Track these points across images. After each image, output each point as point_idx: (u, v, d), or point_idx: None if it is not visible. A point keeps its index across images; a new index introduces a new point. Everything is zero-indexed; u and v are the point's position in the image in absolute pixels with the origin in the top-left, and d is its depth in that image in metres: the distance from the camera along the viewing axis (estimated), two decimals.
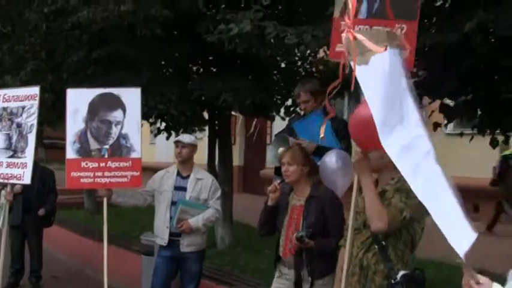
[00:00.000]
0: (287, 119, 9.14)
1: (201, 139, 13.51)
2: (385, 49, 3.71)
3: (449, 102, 7.62)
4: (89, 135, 6.92)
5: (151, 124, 11.71)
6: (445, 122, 8.05)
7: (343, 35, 3.65)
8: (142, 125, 8.68)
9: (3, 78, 12.61)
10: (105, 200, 6.90)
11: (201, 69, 11.01)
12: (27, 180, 7.30)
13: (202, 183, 7.25)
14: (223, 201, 8.22)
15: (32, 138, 7.31)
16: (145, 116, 9.73)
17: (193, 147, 7.31)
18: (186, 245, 7.17)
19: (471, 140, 8.45)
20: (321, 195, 5.47)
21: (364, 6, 4.85)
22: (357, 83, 3.73)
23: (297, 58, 10.34)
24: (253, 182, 20.80)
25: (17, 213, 9.74)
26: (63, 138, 7.05)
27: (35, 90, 7.44)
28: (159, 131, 11.75)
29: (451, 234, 2.83)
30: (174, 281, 7.52)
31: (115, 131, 6.94)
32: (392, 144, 3.42)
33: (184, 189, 7.22)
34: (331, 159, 5.86)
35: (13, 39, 10.67)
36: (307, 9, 9.47)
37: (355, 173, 4.49)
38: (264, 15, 7.73)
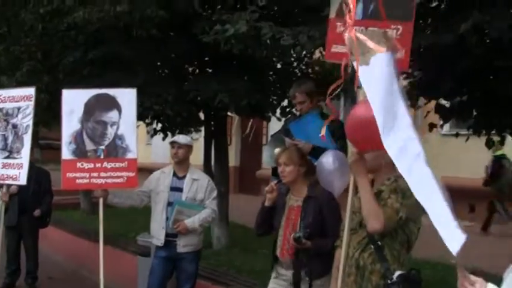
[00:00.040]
0: (283, 119, 9.15)
1: (197, 140, 13.50)
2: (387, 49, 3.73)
3: (444, 102, 7.63)
4: (85, 136, 6.91)
5: (147, 125, 11.70)
6: (441, 122, 8.07)
7: (346, 35, 3.65)
8: (138, 126, 8.69)
9: None
10: (101, 201, 6.89)
11: (197, 70, 11.00)
12: (23, 181, 7.30)
13: (198, 183, 7.26)
14: (219, 202, 8.22)
15: (27, 139, 7.32)
16: (141, 116, 9.74)
17: (189, 147, 7.31)
18: (183, 246, 7.17)
19: (467, 140, 8.47)
20: (319, 195, 5.47)
21: (359, 7, 4.86)
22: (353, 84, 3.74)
23: (292, 59, 10.35)
24: (249, 182, 20.82)
25: (13, 214, 9.73)
26: (59, 139, 7.04)
27: (31, 91, 7.44)
28: (155, 132, 11.75)
29: (444, 234, 2.84)
30: (170, 281, 7.53)
31: (111, 131, 6.93)
32: (391, 145, 3.44)
33: (180, 189, 7.22)
34: (327, 159, 5.86)
35: (9, 39, 10.67)
36: (303, 10, 9.48)
37: (351, 174, 4.50)
38: (259, 16, 7.73)
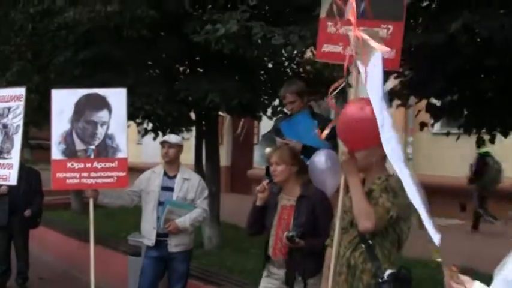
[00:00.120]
0: (274, 119, 9.15)
1: (188, 139, 13.49)
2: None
3: (435, 102, 7.65)
4: (75, 136, 6.88)
5: (138, 124, 11.68)
6: (432, 121, 8.09)
7: (350, 33, 3.65)
8: (129, 126, 8.67)
9: None
10: (91, 201, 6.87)
11: (188, 70, 10.99)
12: (13, 181, 7.27)
13: (189, 183, 7.25)
14: (210, 202, 8.21)
15: (18, 139, 7.28)
16: (132, 116, 9.72)
17: (179, 147, 7.31)
18: (174, 245, 7.17)
19: (457, 139, 8.49)
20: (312, 195, 5.48)
21: (350, 8, 4.86)
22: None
23: (283, 58, 10.35)
24: (240, 182, 20.82)
25: (3, 214, 9.71)
26: (49, 139, 7.01)
27: (21, 90, 7.41)
28: (146, 132, 11.73)
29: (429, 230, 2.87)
30: (161, 281, 7.52)
31: (101, 131, 6.90)
32: (387, 144, 3.46)
33: (171, 189, 7.22)
34: (320, 159, 5.87)
35: None
36: (294, 10, 9.48)
37: (342, 173, 4.51)
38: (250, 16, 7.74)
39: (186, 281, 7.45)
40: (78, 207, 16.34)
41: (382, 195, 4.25)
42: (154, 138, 11.22)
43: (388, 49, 3.72)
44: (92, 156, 6.86)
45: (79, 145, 6.87)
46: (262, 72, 10.87)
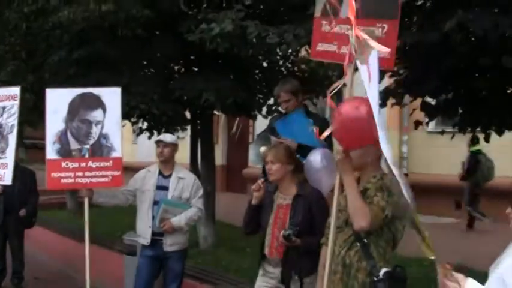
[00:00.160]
0: (269, 118, 9.15)
1: (184, 138, 13.49)
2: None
3: (430, 100, 7.65)
4: (69, 135, 6.86)
5: (133, 124, 11.67)
6: (427, 120, 8.09)
7: (350, 32, 3.65)
8: (124, 125, 8.66)
9: None
10: (86, 201, 6.86)
11: (183, 69, 10.99)
12: (8, 181, 7.26)
13: (184, 182, 7.25)
14: (205, 201, 8.21)
15: (12, 138, 7.26)
16: (127, 115, 9.71)
17: (174, 146, 7.30)
18: (169, 245, 7.16)
19: (452, 138, 8.50)
20: (308, 194, 5.47)
21: (344, 7, 4.87)
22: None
23: (278, 57, 10.36)
24: (236, 181, 20.83)
25: None
26: (44, 139, 7.00)
27: (16, 90, 7.39)
28: (141, 131, 11.72)
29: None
30: (156, 280, 7.51)
31: (95, 130, 6.89)
32: (383, 142, 3.48)
33: (166, 188, 7.21)
34: (315, 158, 5.87)
35: None
36: (288, 9, 9.49)
37: (337, 172, 4.51)
38: (245, 15, 7.75)
39: (182, 280, 7.44)
40: (73, 207, 16.34)
41: (377, 194, 4.26)
42: (149, 138, 11.21)
43: (388, 50, 3.72)
44: (87, 156, 6.85)
45: (74, 144, 6.86)
46: (257, 71, 10.88)
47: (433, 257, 2.88)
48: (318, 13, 5.07)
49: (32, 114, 12.17)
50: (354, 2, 4.01)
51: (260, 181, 5.62)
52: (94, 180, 6.86)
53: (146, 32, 9.19)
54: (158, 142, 7.31)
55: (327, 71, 9.99)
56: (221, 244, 10.89)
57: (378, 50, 3.74)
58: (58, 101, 6.91)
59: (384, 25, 4.80)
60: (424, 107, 7.46)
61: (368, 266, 4.32)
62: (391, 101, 7.50)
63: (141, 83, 9.75)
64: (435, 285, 3.02)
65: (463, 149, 13.32)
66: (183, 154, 9.55)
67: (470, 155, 13.39)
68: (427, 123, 8.74)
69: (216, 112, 11.91)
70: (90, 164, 6.85)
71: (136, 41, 9.40)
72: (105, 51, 9.51)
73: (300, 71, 10.73)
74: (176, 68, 11.14)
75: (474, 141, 7.55)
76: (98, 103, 6.90)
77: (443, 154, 14.07)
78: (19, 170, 9.21)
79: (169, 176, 7.26)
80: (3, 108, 7.37)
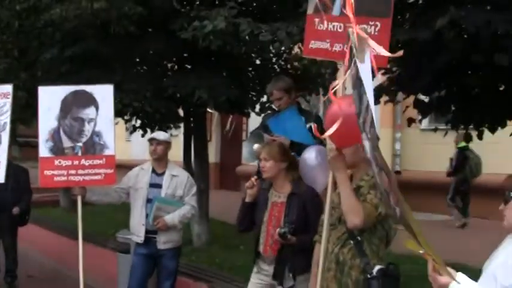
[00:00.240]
0: (262, 115, 9.15)
1: (177, 136, 13.47)
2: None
3: (423, 98, 7.66)
4: (62, 133, 6.85)
5: (126, 121, 11.65)
6: (420, 117, 8.10)
7: (350, 30, 3.64)
8: (117, 123, 8.63)
9: None
10: (79, 199, 6.85)
11: (176, 67, 10.97)
12: (0, 179, 7.23)
13: (177, 180, 7.25)
14: (199, 198, 8.21)
15: (5, 136, 7.23)
16: (120, 113, 9.69)
17: (167, 144, 7.30)
18: (163, 242, 7.17)
19: (445, 135, 8.51)
20: (302, 192, 5.47)
21: (337, 4, 4.87)
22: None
23: (271, 55, 10.35)
24: (229, 178, 20.81)
25: None
26: (37, 137, 6.99)
27: (8, 88, 7.36)
28: (134, 129, 11.70)
29: None
30: (150, 278, 7.51)
31: (88, 128, 6.87)
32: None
33: (159, 186, 7.22)
34: (310, 155, 5.87)
35: None
36: (281, 6, 9.48)
37: (330, 170, 4.51)
38: (238, 12, 7.75)
39: (175, 278, 7.45)
40: (66, 205, 16.30)
41: (370, 192, 4.27)
42: (143, 135, 11.18)
43: (387, 53, 3.71)
44: (80, 154, 6.84)
45: (66, 142, 6.84)
46: (250, 68, 10.87)
47: (421, 251, 2.89)
48: (310, 10, 5.07)
49: (25, 112, 12.14)
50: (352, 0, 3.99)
51: (253, 178, 5.62)
52: (87, 178, 6.84)
53: (139, 30, 9.16)
54: (151, 140, 7.31)
55: (319, 68, 9.99)
56: (215, 242, 10.88)
57: (375, 49, 3.74)
58: (50, 98, 6.90)
59: (377, 23, 4.80)
60: (417, 104, 7.47)
61: (361, 264, 4.34)
62: (384, 98, 7.50)
63: (134, 80, 9.72)
64: (429, 283, 3.03)
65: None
66: (176, 152, 9.53)
67: (458, 151, 13.51)
68: (420, 121, 8.76)
69: (209, 110, 11.88)
70: (83, 161, 6.83)
71: (129, 39, 9.37)
72: (98, 49, 9.48)
73: (293, 69, 10.72)
74: (169, 65, 11.12)
75: (467, 138, 7.57)
76: (90, 100, 6.88)
77: (436, 151, 14.09)
78: (12, 168, 9.18)
79: (163, 173, 7.26)
80: None
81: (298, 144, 6.21)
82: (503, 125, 7.05)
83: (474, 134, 7.50)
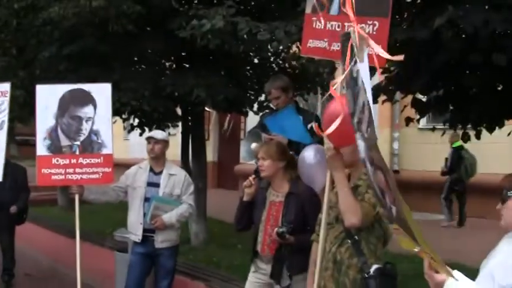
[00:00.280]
0: (260, 114, 9.15)
1: (175, 135, 13.47)
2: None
3: (421, 97, 7.66)
4: (60, 132, 6.85)
5: (124, 120, 11.65)
6: (418, 117, 8.11)
7: (352, 29, 3.64)
8: (115, 121, 8.63)
9: None
10: (76, 197, 6.85)
11: (174, 65, 10.97)
12: None
13: (175, 178, 7.25)
14: (197, 197, 8.21)
15: (3, 135, 7.23)
16: (118, 112, 9.69)
17: (165, 143, 7.30)
18: (161, 241, 7.16)
19: (443, 134, 8.51)
20: (301, 192, 5.46)
21: (335, 3, 4.87)
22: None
23: (269, 54, 10.35)
24: (227, 177, 20.82)
25: None
26: (36, 135, 6.99)
27: (6, 86, 7.36)
28: (132, 127, 11.71)
29: None
30: (148, 277, 7.51)
31: (86, 127, 6.87)
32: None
33: (157, 185, 7.21)
34: (309, 153, 5.86)
35: None
36: (279, 5, 9.49)
37: (328, 169, 4.51)
38: (236, 11, 7.74)
39: (173, 276, 7.45)
40: (64, 204, 16.30)
41: (368, 191, 4.27)
42: (141, 134, 11.19)
43: (387, 55, 3.71)
44: (77, 152, 6.83)
45: (64, 141, 6.84)
46: (248, 67, 10.88)
47: (416, 249, 2.89)
48: (308, 10, 5.07)
49: (23, 110, 12.13)
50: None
51: (251, 178, 5.61)
52: (85, 176, 6.85)
53: (137, 28, 9.16)
54: (149, 139, 7.31)
55: (318, 67, 10.00)
56: (212, 241, 10.89)
57: (374, 49, 3.73)
58: (48, 97, 6.90)
59: (375, 22, 4.80)
60: (415, 103, 7.47)
61: (359, 263, 4.34)
62: (382, 97, 7.50)
63: (132, 79, 9.72)
64: (425, 282, 3.03)
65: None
66: (174, 151, 9.54)
67: (453, 151, 13.57)
68: (418, 120, 8.76)
69: (207, 108, 11.89)
70: (80, 160, 6.83)
71: (127, 37, 9.37)
72: (96, 47, 9.48)
73: (291, 68, 10.73)
74: (167, 64, 11.12)
75: (465, 138, 7.58)
76: (88, 99, 6.88)
77: (434, 151, 14.10)
78: (10, 167, 9.18)
79: (160, 172, 7.25)
80: None
81: (296, 143, 6.21)
82: (501, 125, 7.05)
83: (472, 133, 7.50)
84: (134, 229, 7.25)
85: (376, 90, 7.05)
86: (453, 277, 2.89)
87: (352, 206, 4.22)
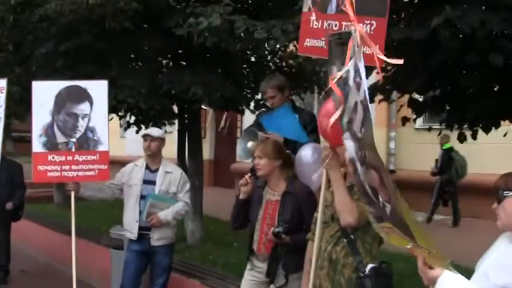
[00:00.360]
0: (256, 113, 9.15)
1: (171, 133, 13.46)
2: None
3: (418, 97, 7.66)
4: (56, 129, 6.84)
5: (120, 118, 11.64)
6: (414, 116, 8.10)
7: (352, 28, 3.63)
8: (111, 119, 8.61)
9: None
10: (72, 194, 6.85)
11: (171, 63, 10.96)
12: None
13: (171, 176, 7.25)
14: (193, 195, 8.20)
15: None
16: (114, 109, 9.68)
17: (161, 140, 7.29)
18: (156, 239, 7.16)
19: (439, 134, 8.51)
20: (297, 191, 5.46)
21: (333, 2, 4.87)
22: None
23: (266, 52, 10.34)
24: (224, 175, 20.82)
25: None
26: (32, 132, 6.98)
27: (2, 82, 7.37)
28: (128, 125, 11.70)
29: None
30: (144, 274, 7.50)
31: (82, 124, 6.87)
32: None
33: (153, 182, 7.20)
34: (306, 152, 5.87)
35: None
36: (276, 4, 9.48)
37: (324, 168, 4.50)
38: (233, 9, 7.73)
39: (169, 274, 7.44)
40: (60, 200, 16.30)
41: None
42: (137, 132, 11.18)
43: (387, 59, 3.71)
44: (73, 149, 6.83)
45: (60, 138, 6.84)
46: (244, 65, 10.88)
47: (409, 246, 2.89)
48: (306, 8, 5.07)
49: (19, 106, 12.11)
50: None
51: (247, 176, 5.61)
52: (81, 173, 6.85)
53: (134, 26, 9.15)
54: (145, 136, 7.30)
55: (314, 66, 10.00)
56: (208, 239, 10.89)
57: (372, 49, 3.73)
58: (44, 93, 6.89)
59: (373, 22, 4.80)
60: (411, 103, 7.47)
61: (354, 262, 4.34)
62: (378, 97, 7.50)
63: (129, 76, 9.71)
64: (421, 281, 3.03)
65: (450, 145, 13.43)
66: (171, 149, 9.53)
67: (443, 152, 13.65)
68: (415, 120, 8.76)
69: (203, 106, 11.89)
70: (76, 157, 6.83)
71: (124, 34, 9.36)
72: (93, 44, 9.47)
73: (288, 66, 10.74)
74: (164, 62, 11.11)
75: (461, 138, 7.57)
76: (84, 96, 6.88)
77: (431, 150, 14.12)
78: (6, 163, 9.19)
79: (157, 170, 7.25)
80: None
81: (293, 142, 6.21)
82: (497, 125, 7.06)
83: (468, 133, 7.50)
84: (130, 227, 7.25)
85: (373, 90, 7.05)
86: (449, 269, 2.89)
87: (348, 205, 4.22)
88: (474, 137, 7.38)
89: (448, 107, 7.19)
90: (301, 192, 5.46)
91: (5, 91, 7.33)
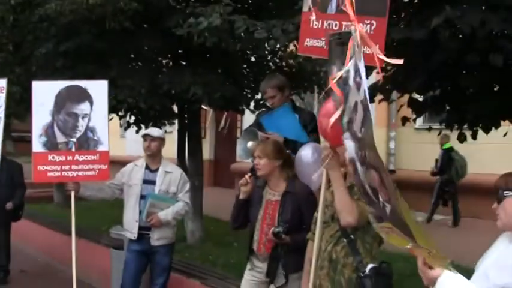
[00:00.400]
0: (256, 112, 9.15)
1: (171, 133, 13.46)
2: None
3: (418, 97, 7.66)
4: (56, 128, 6.84)
5: (120, 118, 11.64)
6: (414, 116, 8.10)
7: (352, 28, 3.63)
8: (111, 119, 8.61)
9: None
10: (72, 194, 6.85)
11: (171, 63, 10.96)
12: None
13: (171, 176, 7.25)
14: (193, 195, 8.19)
15: None
16: (114, 109, 9.67)
17: (161, 140, 7.29)
18: (156, 239, 7.16)
19: (439, 134, 8.51)
20: (297, 191, 5.45)
21: (333, 2, 4.87)
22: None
23: (266, 52, 10.34)
24: (224, 175, 20.81)
25: None
26: (32, 132, 6.98)
27: (2, 82, 7.37)
28: (128, 125, 11.70)
29: None
30: (143, 274, 7.50)
31: (82, 123, 6.87)
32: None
33: (153, 182, 7.20)
34: (307, 152, 5.87)
35: None
36: (276, 4, 9.48)
37: (324, 168, 4.50)
38: (233, 9, 7.73)
39: (169, 274, 7.44)
40: (60, 200, 16.30)
41: None
42: (137, 132, 11.18)
43: (387, 59, 3.71)
44: (73, 149, 6.83)
45: (60, 138, 6.84)
46: (245, 65, 10.87)
47: (409, 246, 2.89)
48: (306, 8, 5.07)
49: (19, 106, 12.11)
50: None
51: (247, 176, 5.61)
52: (81, 173, 6.85)
53: (134, 26, 9.15)
54: (145, 136, 7.30)
55: (314, 66, 10.00)
56: (208, 239, 10.89)
57: (372, 50, 3.73)
58: (44, 93, 6.89)
59: (373, 22, 4.80)
60: (412, 103, 7.47)
61: (354, 262, 4.34)
62: (378, 97, 7.50)
63: (129, 76, 9.71)
64: (421, 281, 3.03)
65: (450, 145, 13.42)
66: (171, 148, 9.53)
67: (443, 152, 13.64)
68: (415, 120, 8.76)
69: (203, 106, 11.89)
70: (76, 157, 6.84)
71: (124, 34, 9.36)
72: (93, 44, 9.47)
73: (288, 66, 10.74)
74: (164, 61, 11.11)
75: (461, 138, 7.58)
76: (84, 96, 6.88)
77: (431, 150, 14.12)
78: (6, 163, 9.18)
79: (156, 170, 7.25)
80: None
81: (293, 141, 6.21)
82: (497, 125, 7.06)
83: (468, 133, 7.50)
84: (130, 227, 7.24)
85: (373, 90, 7.05)
86: (449, 269, 2.89)
87: (348, 205, 4.22)
88: (474, 137, 7.37)
89: (448, 107, 7.19)
90: (301, 192, 5.46)
91: (5, 91, 7.33)
